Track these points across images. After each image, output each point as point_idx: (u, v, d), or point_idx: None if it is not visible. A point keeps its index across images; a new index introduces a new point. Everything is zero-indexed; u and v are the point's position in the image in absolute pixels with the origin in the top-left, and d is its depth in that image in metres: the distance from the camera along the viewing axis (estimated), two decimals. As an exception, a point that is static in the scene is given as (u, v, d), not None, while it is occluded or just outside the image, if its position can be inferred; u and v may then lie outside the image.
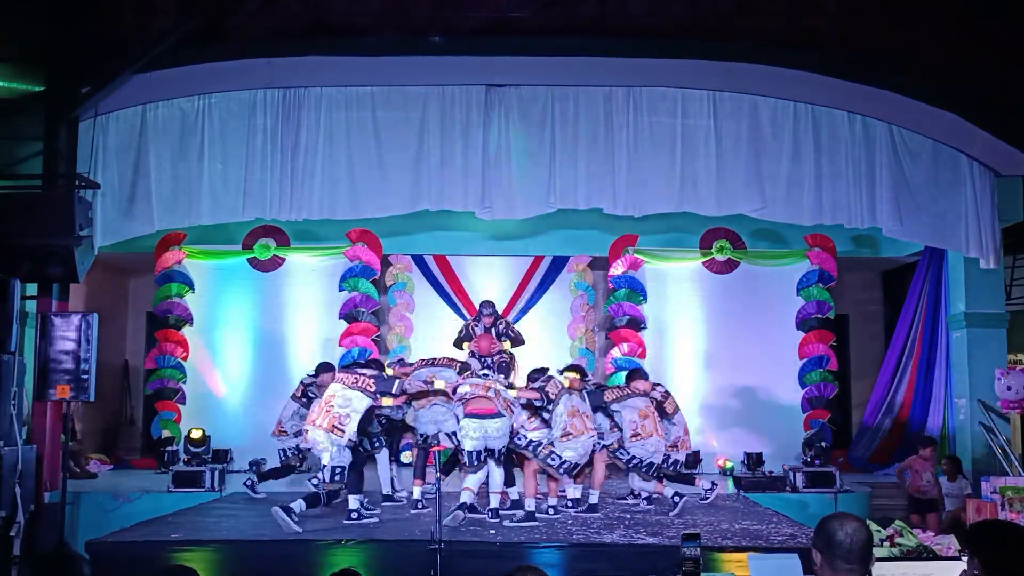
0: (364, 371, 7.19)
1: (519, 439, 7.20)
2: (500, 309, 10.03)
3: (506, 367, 8.99)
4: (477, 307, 9.76)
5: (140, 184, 8.86)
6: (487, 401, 6.91)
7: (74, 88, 8.49)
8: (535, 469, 7.12)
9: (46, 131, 8.45)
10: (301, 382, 8.43)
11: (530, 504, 6.98)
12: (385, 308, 11.38)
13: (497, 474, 7.08)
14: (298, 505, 6.73)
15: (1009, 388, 8.93)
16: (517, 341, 9.24)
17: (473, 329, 9.21)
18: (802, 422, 10.57)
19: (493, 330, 9.08)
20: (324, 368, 8.27)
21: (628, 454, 7.37)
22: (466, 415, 6.94)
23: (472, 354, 8.82)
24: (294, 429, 8.06)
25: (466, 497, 6.94)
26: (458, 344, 9.29)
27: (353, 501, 6.99)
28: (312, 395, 8.01)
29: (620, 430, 7.45)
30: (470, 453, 6.90)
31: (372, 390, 6.95)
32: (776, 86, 9.03)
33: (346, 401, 6.89)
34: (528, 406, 7.23)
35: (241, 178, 8.87)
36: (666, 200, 9.02)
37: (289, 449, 8.27)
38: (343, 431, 6.81)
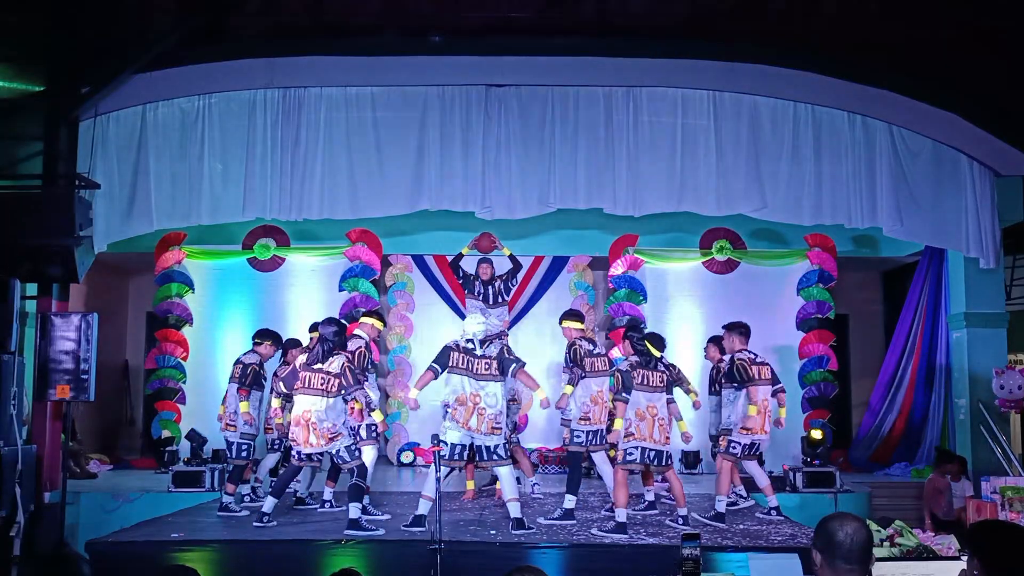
0: (329, 367, 6.75)
1: (578, 437, 7.13)
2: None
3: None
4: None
5: (140, 184, 8.86)
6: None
7: (74, 88, 8.50)
8: (624, 477, 6.71)
9: (46, 131, 8.47)
10: (274, 374, 7.93)
11: (621, 515, 6.57)
12: (385, 308, 11.38)
13: (506, 478, 6.67)
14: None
15: (1002, 387, 8.96)
16: (515, 261, 9.01)
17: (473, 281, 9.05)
18: (802, 422, 10.56)
19: (491, 287, 8.94)
20: (291, 344, 8.06)
21: (739, 444, 7.20)
22: (458, 403, 6.64)
23: (474, 285, 8.65)
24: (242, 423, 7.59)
25: (423, 508, 6.55)
26: (456, 259, 8.99)
27: (353, 510, 6.73)
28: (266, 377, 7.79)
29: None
30: (452, 446, 6.53)
31: (337, 390, 6.68)
32: (776, 86, 9.03)
33: (322, 416, 6.62)
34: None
35: (241, 178, 8.87)
36: (666, 200, 9.03)
37: (244, 443, 7.63)
38: (342, 434, 6.73)
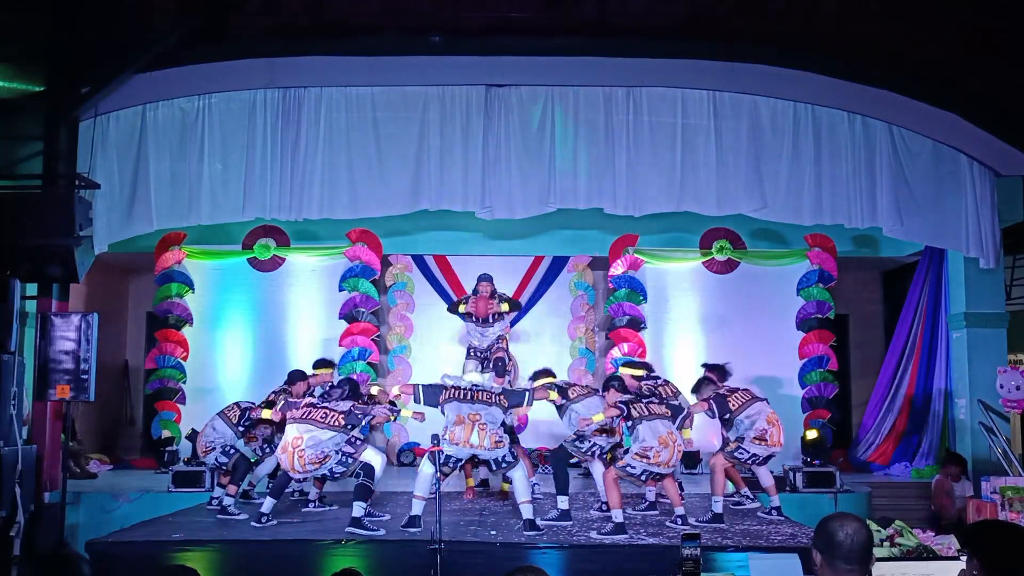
0: (336, 406, 6.87)
1: (581, 443, 7.12)
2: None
3: (502, 365, 8.95)
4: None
5: (140, 184, 8.86)
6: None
7: (74, 88, 8.50)
8: (614, 477, 6.71)
9: (46, 131, 8.46)
10: (237, 405, 7.99)
11: (617, 515, 6.49)
12: (385, 308, 11.38)
13: (519, 481, 6.71)
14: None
15: (1002, 387, 8.98)
16: (513, 304, 9.07)
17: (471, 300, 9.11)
18: (802, 422, 10.56)
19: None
20: (298, 376, 8.18)
21: (748, 452, 7.30)
22: (455, 424, 6.68)
23: (468, 318, 8.76)
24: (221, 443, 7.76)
25: (417, 508, 6.59)
26: (453, 308, 9.13)
27: (357, 508, 6.80)
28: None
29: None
30: (448, 457, 6.56)
31: (342, 424, 6.74)
32: (776, 86, 9.03)
33: (317, 442, 6.67)
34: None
35: (241, 178, 8.87)
36: (666, 200, 9.02)
37: (229, 447, 7.75)
38: (330, 456, 6.72)
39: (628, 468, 6.70)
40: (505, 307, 8.86)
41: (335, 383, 7.40)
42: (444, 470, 6.62)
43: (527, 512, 6.57)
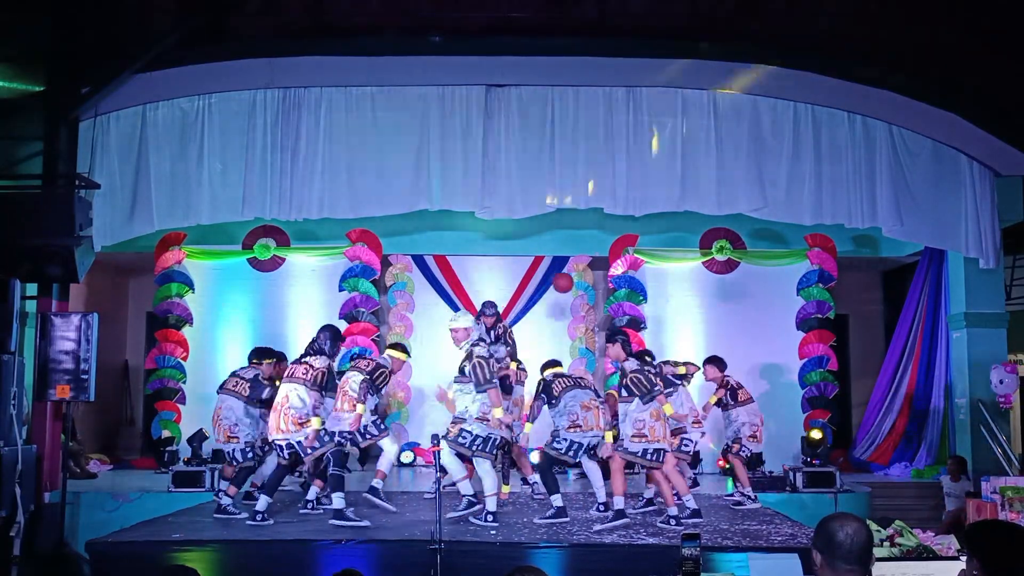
0: (314, 361, 6.95)
1: (558, 443, 7.09)
2: (500, 309, 9.94)
3: (510, 384, 8.84)
4: (478, 308, 9.64)
5: (140, 184, 8.88)
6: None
7: (74, 88, 8.51)
8: (622, 466, 6.77)
9: (46, 131, 8.48)
10: (242, 378, 7.65)
11: (619, 502, 6.63)
12: (385, 308, 11.39)
13: (489, 477, 6.82)
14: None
15: (990, 381, 8.99)
16: (511, 349, 8.99)
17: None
18: (802, 422, 10.56)
19: (492, 332, 8.96)
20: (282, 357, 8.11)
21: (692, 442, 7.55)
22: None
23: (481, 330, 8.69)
24: (245, 434, 7.44)
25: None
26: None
27: (337, 500, 6.79)
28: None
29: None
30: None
31: (318, 381, 6.83)
32: (776, 86, 9.04)
33: (301, 402, 6.77)
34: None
35: (241, 178, 8.88)
36: (666, 200, 9.04)
37: (248, 449, 7.44)
38: (311, 423, 6.78)
39: (631, 449, 6.68)
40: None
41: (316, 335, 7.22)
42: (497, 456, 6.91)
43: (491, 504, 6.78)
